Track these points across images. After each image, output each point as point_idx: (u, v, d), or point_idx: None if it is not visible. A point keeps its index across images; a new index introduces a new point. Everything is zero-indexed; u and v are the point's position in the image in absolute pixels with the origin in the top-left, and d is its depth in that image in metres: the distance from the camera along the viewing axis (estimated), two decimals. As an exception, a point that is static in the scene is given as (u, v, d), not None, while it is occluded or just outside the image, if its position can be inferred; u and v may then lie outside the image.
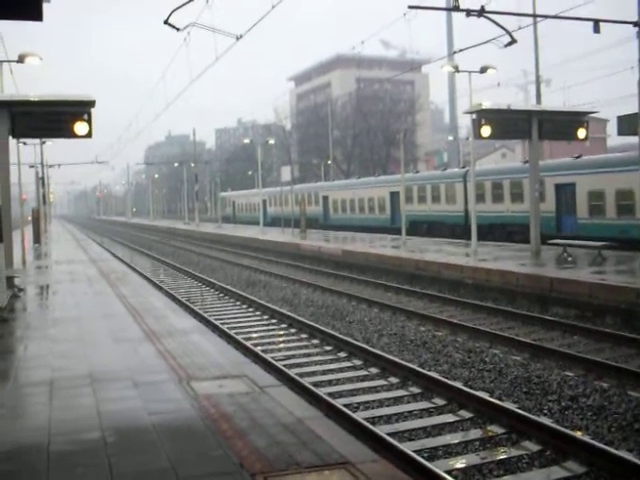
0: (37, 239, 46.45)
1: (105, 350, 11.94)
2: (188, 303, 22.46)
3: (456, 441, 9.78)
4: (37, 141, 50.49)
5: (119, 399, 8.78)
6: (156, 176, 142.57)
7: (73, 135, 19.96)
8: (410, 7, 21.13)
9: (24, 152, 47.78)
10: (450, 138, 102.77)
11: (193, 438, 7.11)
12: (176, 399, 8.64)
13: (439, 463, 8.84)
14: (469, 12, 20.83)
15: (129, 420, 7.87)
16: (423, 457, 8.85)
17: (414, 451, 9.02)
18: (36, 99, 20.44)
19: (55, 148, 53.47)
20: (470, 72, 29.65)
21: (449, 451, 9.44)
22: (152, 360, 10.94)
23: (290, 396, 8.91)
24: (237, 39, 21.30)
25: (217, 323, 18.57)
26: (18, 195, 33.03)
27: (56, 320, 15.35)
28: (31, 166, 57.31)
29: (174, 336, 12.83)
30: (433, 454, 9.30)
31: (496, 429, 10.15)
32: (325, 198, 66.46)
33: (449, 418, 10.74)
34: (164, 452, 6.73)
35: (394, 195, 51.45)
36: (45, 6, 7.09)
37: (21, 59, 25.42)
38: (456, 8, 20.50)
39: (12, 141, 23.66)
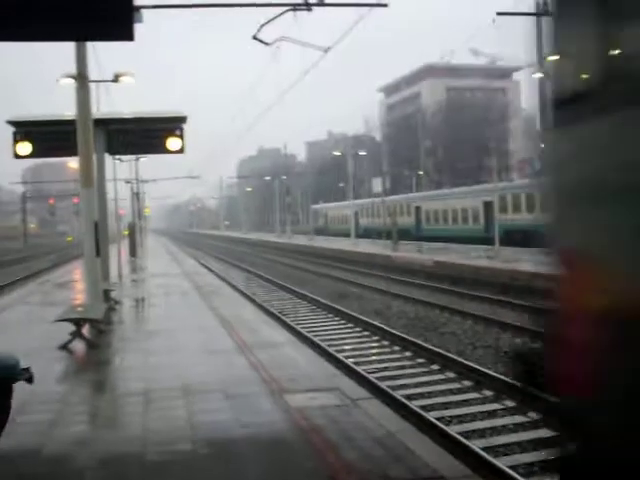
0: (133, 253, 47.50)
1: (198, 362, 12.07)
2: (280, 315, 22.55)
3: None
4: (132, 157, 51.69)
5: (211, 411, 8.86)
6: (248, 189, 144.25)
7: (166, 151, 20.35)
8: (499, 14, 20.83)
9: (120, 168, 48.99)
10: (542, 145, 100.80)
11: (284, 450, 7.09)
12: (268, 411, 8.65)
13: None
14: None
15: (221, 432, 7.92)
16: (519, 473, 8.63)
17: (509, 467, 8.80)
18: (130, 117, 20.95)
19: (150, 164, 54.47)
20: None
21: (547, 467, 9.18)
22: (244, 372, 11.00)
23: (382, 409, 8.81)
24: (325, 51, 21.35)
25: (309, 335, 18.57)
26: (114, 210, 33.85)
27: (151, 332, 15.62)
28: (127, 182, 58.67)
29: (266, 348, 12.89)
30: (529, 470, 9.06)
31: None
32: (417, 209, 66.13)
33: (546, 433, 10.45)
34: (255, 464, 6.73)
35: (487, 205, 50.82)
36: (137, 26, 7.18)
37: (116, 79, 26.08)
38: (545, 13, 20.11)
39: (108, 158, 24.28)
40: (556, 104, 4.42)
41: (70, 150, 17.96)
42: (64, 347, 13.68)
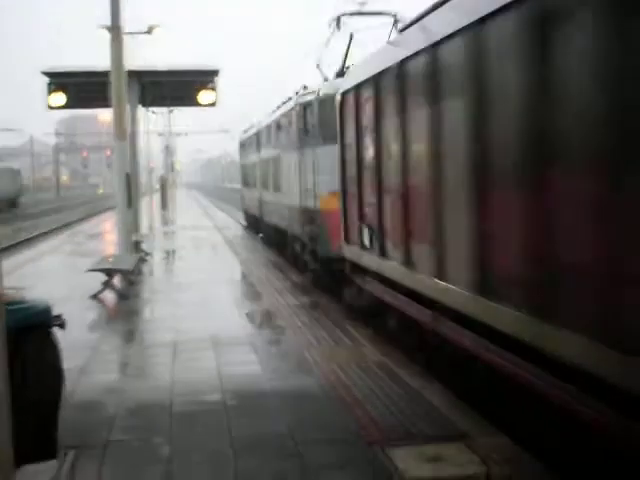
0: (164, 206, 47.72)
1: (227, 314, 12.16)
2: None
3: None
4: (165, 110, 51.65)
5: (240, 363, 8.94)
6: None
7: (199, 104, 20.35)
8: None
9: (153, 121, 49.06)
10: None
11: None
12: (299, 362, 8.73)
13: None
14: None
15: (249, 384, 7.99)
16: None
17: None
18: (164, 69, 20.90)
19: (184, 118, 54.63)
20: None
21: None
22: (275, 323, 11.09)
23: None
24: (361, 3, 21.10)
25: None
26: (146, 163, 33.92)
27: (180, 284, 15.75)
28: (160, 134, 58.79)
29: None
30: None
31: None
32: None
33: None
34: (282, 415, 6.80)
35: None
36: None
37: (149, 31, 26.03)
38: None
39: (141, 110, 24.30)
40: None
41: (103, 102, 17.96)
42: (95, 296, 13.84)
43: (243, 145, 32.59)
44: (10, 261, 20.28)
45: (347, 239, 11.69)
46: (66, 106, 20.09)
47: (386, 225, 9.51)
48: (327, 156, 13.43)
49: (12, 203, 63.79)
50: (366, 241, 10.39)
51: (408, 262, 8.53)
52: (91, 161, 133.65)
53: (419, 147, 8.17)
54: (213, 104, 20.20)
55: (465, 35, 6.45)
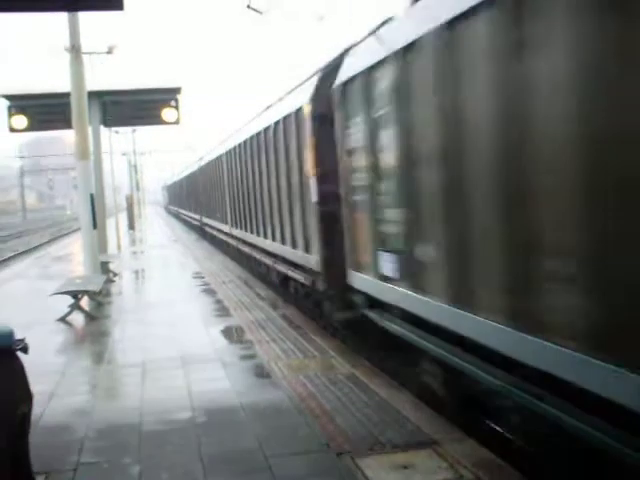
0: (131, 225, 47.47)
1: (195, 332, 12.13)
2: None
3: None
4: (129, 130, 51.43)
5: (209, 379, 8.94)
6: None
7: (162, 122, 20.33)
8: None
9: (116, 140, 48.89)
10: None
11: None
12: (264, 378, 8.74)
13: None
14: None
15: (218, 401, 7.98)
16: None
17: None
18: (125, 88, 20.88)
19: (147, 136, 54.47)
20: None
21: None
22: (243, 340, 11.10)
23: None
24: (319, 20, 21.22)
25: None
26: (111, 183, 33.80)
27: (149, 303, 15.68)
28: (123, 154, 58.55)
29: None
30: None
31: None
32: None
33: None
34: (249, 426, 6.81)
35: None
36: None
37: (110, 50, 25.95)
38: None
39: (104, 130, 24.19)
40: None
41: (66, 123, 17.95)
42: (63, 319, 13.75)
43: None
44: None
45: (356, 265, 9.76)
46: (28, 128, 20.00)
47: (426, 252, 7.25)
48: None
49: (-23, 228, 63.17)
50: (388, 271, 8.38)
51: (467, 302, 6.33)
52: (57, 182, 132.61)
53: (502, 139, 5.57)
54: (177, 122, 20.19)
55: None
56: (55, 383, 9.14)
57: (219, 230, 27.76)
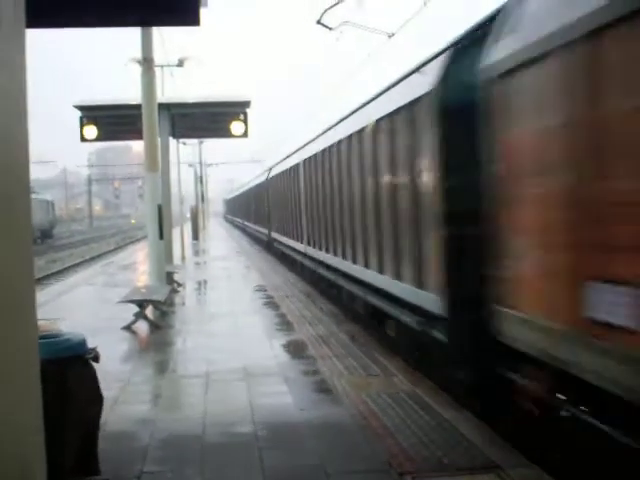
0: (196, 236, 47.95)
1: (258, 345, 12.18)
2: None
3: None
4: (196, 141, 52.07)
5: (271, 394, 8.95)
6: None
7: (230, 135, 20.53)
8: None
9: (184, 152, 49.48)
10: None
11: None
12: (327, 392, 8.72)
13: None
14: None
15: (280, 415, 7.99)
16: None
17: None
18: (194, 101, 21.16)
19: (214, 147, 55.05)
20: None
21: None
22: (306, 355, 11.09)
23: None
24: (389, 37, 21.24)
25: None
26: (178, 193, 34.21)
27: (212, 315, 15.79)
28: (190, 165, 59.27)
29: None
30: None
31: None
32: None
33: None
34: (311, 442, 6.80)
35: None
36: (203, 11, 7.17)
37: (181, 63, 26.34)
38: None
39: (172, 141, 24.53)
40: None
41: (135, 134, 18.25)
42: (128, 328, 13.93)
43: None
44: (44, 292, 20.49)
45: (513, 304, 6.79)
46: (98, 138, 20.39)
47: None
48: None
49: (46, 234, 64.56)
50: (617, 319, 5.04)
51: None
52: (123, 192, 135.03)
53: None
54: (244, 135, 20.36)
55: None
56: (120, 390, 9.25)
57: (292, 248, 25.80)
